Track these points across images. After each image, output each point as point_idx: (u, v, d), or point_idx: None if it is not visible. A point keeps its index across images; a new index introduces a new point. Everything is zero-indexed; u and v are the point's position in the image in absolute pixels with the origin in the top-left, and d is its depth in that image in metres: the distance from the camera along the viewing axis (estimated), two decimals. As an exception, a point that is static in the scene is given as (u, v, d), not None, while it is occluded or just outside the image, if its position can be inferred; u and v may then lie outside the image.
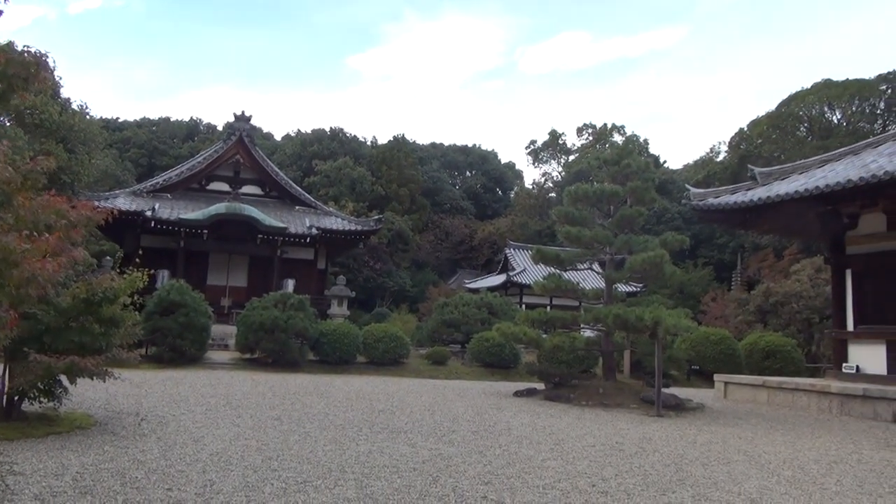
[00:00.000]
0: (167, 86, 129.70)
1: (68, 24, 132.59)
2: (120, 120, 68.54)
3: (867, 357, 15.20)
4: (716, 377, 17.58)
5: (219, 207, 26.36)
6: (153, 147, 62.21)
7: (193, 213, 26.70)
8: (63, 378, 8.10)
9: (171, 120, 71.22)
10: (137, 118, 70.17)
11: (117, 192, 29.04)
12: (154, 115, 72.30)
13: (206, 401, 11.24)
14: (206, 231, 26.63)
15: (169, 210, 27.50)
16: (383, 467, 6.58)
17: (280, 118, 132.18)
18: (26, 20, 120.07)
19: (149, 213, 25.96)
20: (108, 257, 25.27)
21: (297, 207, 31.63)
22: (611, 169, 14.98)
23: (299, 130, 67.56)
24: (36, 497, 5.03)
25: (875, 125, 41.38)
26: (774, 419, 12.46)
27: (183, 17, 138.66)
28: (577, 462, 7.31)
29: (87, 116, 24.97)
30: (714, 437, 9.81)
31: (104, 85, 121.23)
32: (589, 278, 32.11)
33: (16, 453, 6.44)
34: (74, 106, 24.13)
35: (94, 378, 7.98)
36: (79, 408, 9.47)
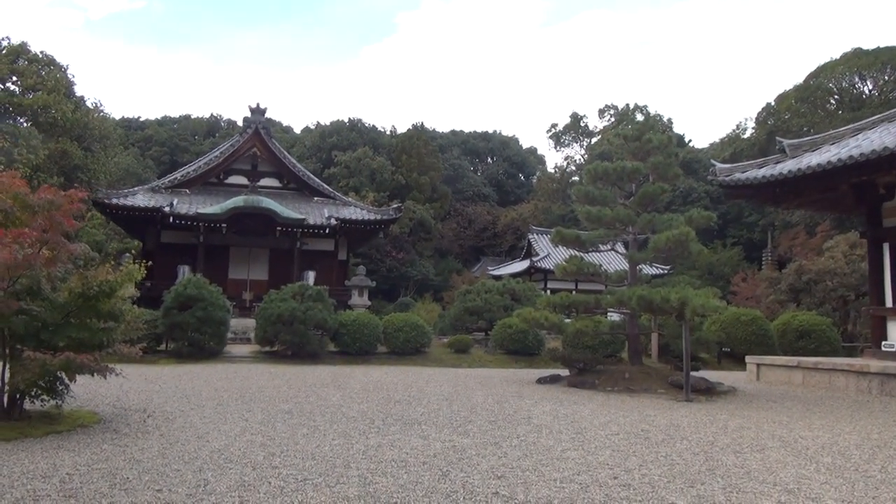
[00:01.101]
0: (188, 83, 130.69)
1: (91, 28, 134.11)
2: (141, 119, 69.25)
3: (908, 334, 14.48)
4: (748, 359, 16.95)
5: (236, 201, 26.22)
6: (174, 144, 62.64)
7: (211, 207, 26.61)
8: (64, 375, 7.85)
9: (192, 117, 71.68)
10: (158, 116, 70.83)
11: (136, 188, 29.09)
12: (175, 113, 72.86)
13: (219, 395, 10.99)
14: (224, 225, 26.54)
15: (187, 205, 27.45)
16: (391, 462, 6.21)
17: (299, 111, 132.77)
18: (50, 24, 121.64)
19: (167, 209, 25.91)
20: (126, 254, 25.31)
21: (315, 199, 31.41)
22: (631, 145, 14.37)
23: (318, 123, 67.59)
24: (17, 501, 4.74)
25: (909, 95, 39.93)
26: (810, 401, 11.86)
27: (199, 15, 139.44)
28: (598, 452, 6.86)
29: (102, 114, 25.01)
30: (746, 421, 9.28)
31: (125, 85, 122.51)
32: (613, 261, 31.45)
33: (9, 454, 6.19)
34: (88, 104, 24.13)
35: (95, 375, 7.71)
36: (86, 405, 9.27)
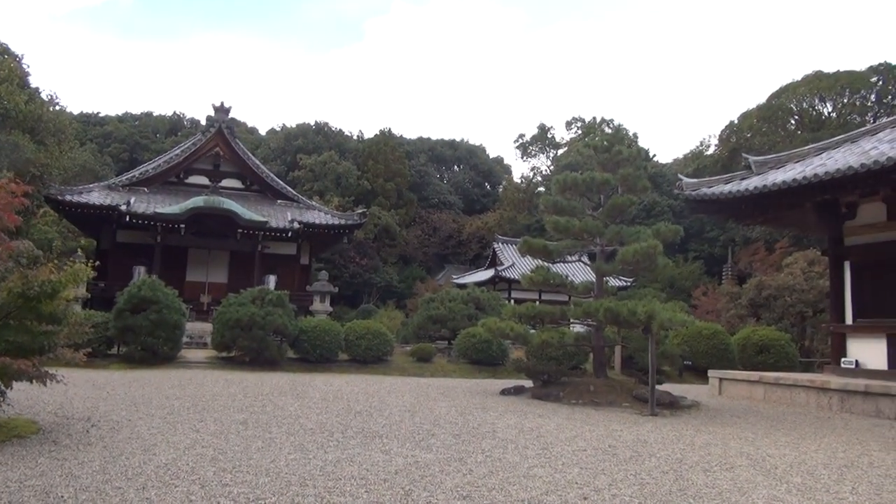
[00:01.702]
0: (151, 80, 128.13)
1: (53, 20, 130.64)
2: (101, 114, 67.48)
3: (867, 351, 14.62)
4: (710, 373, 16.98)
5: (196, 201, 25.52)
6: (135, 142, 61.16)
7: (170, 207, 25.86)
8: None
9: (154, 115, 70.19)
10: (119, 112, 69.11)
11: (91, 185, 28.12)
12: (136, 110, 71.28)
13: (171, 403, 10.49)
14: (183, 226, 25.81)
15: (145, 204, 26.64)
16: (350, 479, 5.88)
17: (265, 113, 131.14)
18: (7, 12, 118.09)
19: (123, 208, 25.09)
20: (78, 252, 24.36)
21: (278, 201, 30.83)
22: (601, 156, 14.28)
23: (284, 125, 66.75)
24: (-66, 524, 4.30)
25: (866, 117, 40.99)
26: (774, 417, 11.85)
27: (166, 11, 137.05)
28: (566, 470, 6.63)
29: (58, 107, 24.06)
30: (713, 437, 9.17)
31: (85, 79, 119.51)
32: (579, 272, 31.54)
33: (-68, 468, 5.69)
34: (43, 96, 23.21)
35: (34, 381, 7.20)
36: (25, 412, 8.72)
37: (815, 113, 45.19)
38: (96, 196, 26.40)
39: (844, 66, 43.59)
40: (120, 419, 8.72)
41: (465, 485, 5.83)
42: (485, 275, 43.08)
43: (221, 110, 30.27)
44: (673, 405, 12.41)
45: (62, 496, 5.01)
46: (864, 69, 42.57)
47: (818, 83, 43.16)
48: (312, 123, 61.12)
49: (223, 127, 29.93)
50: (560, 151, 66.01)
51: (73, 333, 7.89)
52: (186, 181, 30.14)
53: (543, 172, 65.31)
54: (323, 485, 5.64)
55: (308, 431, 8.34)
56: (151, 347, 17.07)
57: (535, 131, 68.42)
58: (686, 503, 5.52)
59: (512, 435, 8.69)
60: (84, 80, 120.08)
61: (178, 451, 6.84)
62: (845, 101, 43.55)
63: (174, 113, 71.07)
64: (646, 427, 9.98)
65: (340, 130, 63.22)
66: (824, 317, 24.55)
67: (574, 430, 9.28)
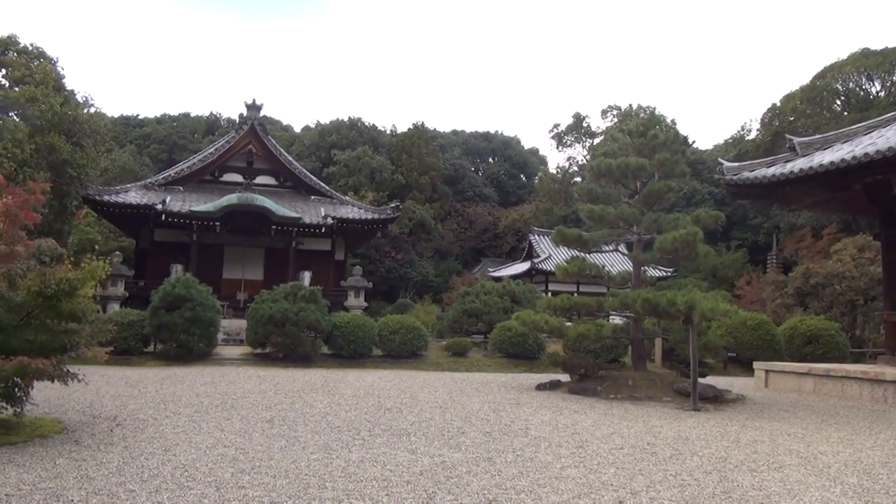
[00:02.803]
0: (188, 81, 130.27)
1: (88, 23, 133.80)
2: (140, 116, 68.64)
3: (924, 340, 13.86)
4: (756, 365, 16.32)
5: (230, 198, 25.64)
6: (173, 142, 62.01)
7: (205, 205, 26.02)
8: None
9: (192, 115, 71.07)
10: (157, 114, 70.17)
11: (128, 185, 28.51)
12: (174, 111, 72.22)
13: (200, 401, 10.39)
14: (218, 223, 25.98)
15: (181, 203, 26.87)
16: (372, 481, 5.61)
17: (299, 110, 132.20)
18: (42, 15, 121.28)
19: (159, 207, 25.34)
20: (117, 252, 24.70)
21: (312, 197, 30.83)
22: (636, 141, 13.76)
23: (318, 121, 67.00)
24: (-63, 530, 4.15)
25: (918, 96, 39.27)
26: (824, 411, 11.24)
27: (201, 9, 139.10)
28: (601, 470, 6.25)
29: (93, 108, 24.38)
30: (760, 434, 8.67)
31: (124, 82, 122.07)
32: (616, 262, 30.86)
33: (-51, 470, 5.59)
34: (79, 97, 23.53)
35: (55, 381, 7.10)
36: (54, 412, 8.69)
37: (862, 93, 43.43)
38: (133, 196, 26.74)
39: (893, 43, 41.70)
40: (146, 418, 8.62)
41: (492, 487, 5.51)
42: (521, 267, 42.56)
43: (253, 108, 30.38)
44: (716, 399, 11.89)
45: (72, 499, 4.84)
46: (914, 45, 40.80)
47: (865, 61, 41.43)
48: (346, 119, 61.17)
49: (255, 124, 30.04)
50: (596, 141, 64.84)
51: (96, 332, 7.79)
52: (221, 179, 30.36)
53: (579, 162, 64.29)
54: (343, 487, 5.38)
55: (334, 430, 8.12)
56: (186, 345, 17.12)
57: (570, 121, 67.31)
58: (731, 507, 5.11)
59: (545, 432, 8.34)
60: (122, 82, 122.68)
61: (199, 451, 6.67)
62: (895, 79, 41.73)
63: (211, 113, 71.93)
64: (687, 423, 9.52)
65: (374, 125, 63.15)
66: (876, 305, 23.52)
67: (611, 427, 8.88)
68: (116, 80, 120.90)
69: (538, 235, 44.00)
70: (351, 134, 58.35)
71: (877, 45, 43.92)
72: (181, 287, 17.52)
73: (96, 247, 31.71)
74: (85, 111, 22.95)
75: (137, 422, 8.30)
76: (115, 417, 8.54)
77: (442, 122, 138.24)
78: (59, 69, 22.42)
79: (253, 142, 30.25)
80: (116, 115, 65.51)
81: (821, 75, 44.17)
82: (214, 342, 18.28)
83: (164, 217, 25.49)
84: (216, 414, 9.11)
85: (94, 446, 6.74)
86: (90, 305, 7.55)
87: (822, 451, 7.57)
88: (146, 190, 28.08)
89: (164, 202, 25.88)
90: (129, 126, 64.54)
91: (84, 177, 22.76)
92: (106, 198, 25.64)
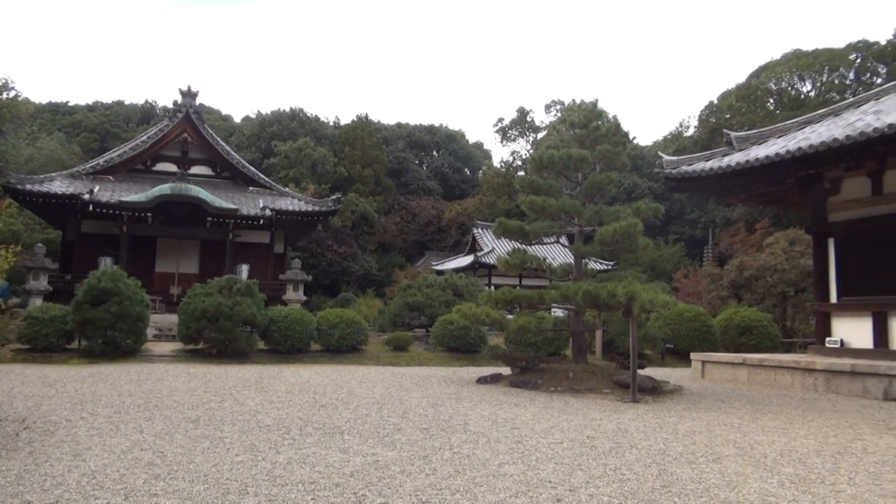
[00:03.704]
0: (122, 68, 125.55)
1: (14, 3, 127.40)
2: (70, 103, 65.84)
3: (852, 330, 14.26)
4: (693, 356, 16.56)
5: (163, 188, 24.61)
6: (105, 131, 59.60)
7: (136, 195, 24.91)
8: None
9: (126, 103, 68.59)
10: (89, 101, 67.36)
11: (53, 174, 27.06)
12: (107, 99, 69.48)
13: (121, 400, 9.79)
14: (150, 214, 24.91)
15: (110, 193, 25.68)
16: (298, 484, 5.26)
17: (240, 100, 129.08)
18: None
19: (86, 197, 24.12)
20: (39, 244, 23.41)
21: (250, 189, 29.96)
22: (579, 132, 13.69)
23: (259, 112, 65.43)
24: None
25: (845, 95, 40.74)
26: (759, 401, 11.40)
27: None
28: (540, 466, 6.06)
29: (13, 93, 22.94)
30: (697, 424, 8.66)
31: (53, 66, 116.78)
32: (558, 255, 31.06)
33: None
34: (-3, 80, 22.13)
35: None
36: (-45, 415, 8.00)
37: (794, 92, 44.93)
38: (58, 185, 25.40)
39: (823, 44, 43.33)
40: (59, 420, 8.02)
41: (426, 487, 5.23)
42: (464, 261, 42.51)
43: (189, 95, 29.25)
44: (655, 390, 11.94)
45: (-44, 515, 4.34)
46: (842, 47, 42.36)
47: (797, 61, 42.85)
48: (287, 110, 59.98)
49: (191, 112, 28.94)
50: (540, 135, 65.40)
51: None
52: (154, 169, 29.18)
53: (523, 156, 64.66)
54: (266, 492, 5.02)
55: (263, 429, 7.71)
56: (113, 341, 16.28)
57: (514, 115, 67.75)
58: (671, 502, 4.97)
59: (484, 427, 8.12)
60: (51, 67, 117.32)
61: (112, 455, 6.18)
62: (824, 79, 43.29)
63: (146, 101, 69.49)
64: (627, 415, 9.46)
65: (316, 116, 62.11)
66: (806, 296, 24.30)
67: (551, 421, 8.73)
68: (45, 66, 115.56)
69: (482, 229, 44.03)
70: (292, 125, 57.20)
71: (808, 46, 45.44)
72: (108, 280, 16.64)
73: (21, 238, 30.12)
74: (4, 95, 21.57)
75: (49, 424, 7.71)
76: (24, 420, 7.92)
77: (386, 114, 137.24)
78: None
79: (188, 130, 29.15)
80: (44, 102, 62.63)
81: (756, 74, 45.49)
82: (143, 338, 17.46)
83: (91, 208, 24.28)
84: (137, 414, 8.56)
85: (-6, 452, 6.18)
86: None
87: (758, 440, 7.57)
88: (73, 179, 26.73)
89: (91, 192, 24.65)
90: (57, 113, 61.74)
91: (3, 164, 21.43)
92: (28, 187, 24.26)
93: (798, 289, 25.24)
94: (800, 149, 13.05)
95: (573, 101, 64.64)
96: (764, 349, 19.33)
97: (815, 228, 15.58)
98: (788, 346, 22.22)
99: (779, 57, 44.61)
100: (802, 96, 44.15)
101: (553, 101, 66.59)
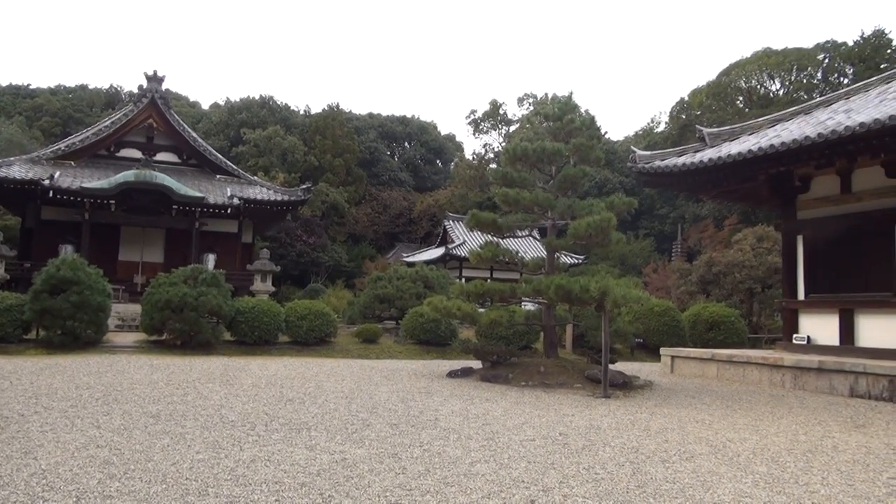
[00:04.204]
0: (86, 51, 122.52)
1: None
2: (31, 87, 63.90)
3: (819, 327, 14.41)
4: (662, 351, 16.62)
5: (126, 175, 23.95)
6: (68, 115, 58.06)
7: (98, 181, 24.22)
8: None
9: (90, 87, 66.91)
10: (52, 85, 65.51)
11: (12, 159, 26.18)
12: (71, 82, 67.77)
13: (79, 394, 9.43)
14: (113, 202, 24.23)
15: (71, 179, 24.93)
16: (262, 483, 5.04)
17: (208, 87, 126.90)
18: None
19: (46, 182, 23.38)
20: (-4, 231, 22.64)
21: (218, 177, 29.36)
22: (553, 125, 13.57)
23: (228, 99, 64.33)
24: None
25: (813, 95, 41.39)
26: (728, 397, 11.44)
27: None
28: (512, 465, 5.91)
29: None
30: (669, 421, 8.62)
31: (13, 48, 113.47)
32: (530, 248, 31.05)
33: None
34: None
35: None
36: None
37: (763, 90, 45.52)
38: (17, 170, 24.59)
39: (793, 44, 43.96)
40: (11, 414, 7.66)
41: (395, 487, 5.05)
42: (435, 253, 42.33)
43: (155, 79, 28.51)
44: (626, 385, 11.91)
45: None
46: (811, 46, 43.03)
47: (767, 60, 43.38)
48: (257, 97, 59.01)
49: (157, 97, 28.21)
50: (512, 128, 65.35)
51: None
52: (118, 155, 28.40)
53: (495, 149, 64.59)
54: (227, 493, 4.79)
55: (227, 424, 7.45)
56: (72, 331, 15.77)
57: (487, 107, 67.47)
58: (645, 503, 4.86)
59: (455, 423, 7.96)
60: (13, 49, 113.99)
61: (66, 452, 5.88)
62: (793, 78, 43.92)
63: (111, 86, 67.81)
64: (599, 410, 9.39)
65: (286, 105, 61.30)
66: (773, 293, 24.62)
67: (523, 417, 8.60)
68: (6, 47, 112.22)
69: (453, 221, 43.88)
70: (262, 113, 56.34)
71: (778, 45, 46.04)
72: (67, 269, 16.11)
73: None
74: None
75: (1, 418, 7.36)
76: (-27, 414, 7.55)
77: (358, 104, 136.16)
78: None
79: (154, 116, 28.42)
80: (4, 84, 60.73)
81: (726, 72, 45.97)
82: (104, 329, 16.96)
83: (51, 194, 23.54)
84: (95, 409, 8.23)
85: (-63, 450, 5.84)
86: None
87: (730, 438, 7.54)
88: (32, 164, 25.89)
89: (52, 178, 23.90)
90: (18, 96, 59.95)
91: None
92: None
93: (765, 285, 25.58)
94: (772, 146, 13.09)
95: (546, 94, 64.75)
96: (731, 344, 19.53)
97: (785, 226, 15.72)
98: (755, 342, 22.49)
99: (749, 55, 45.19)
100: (772, 95, 44.76)
101: (526, 95, 66.55)
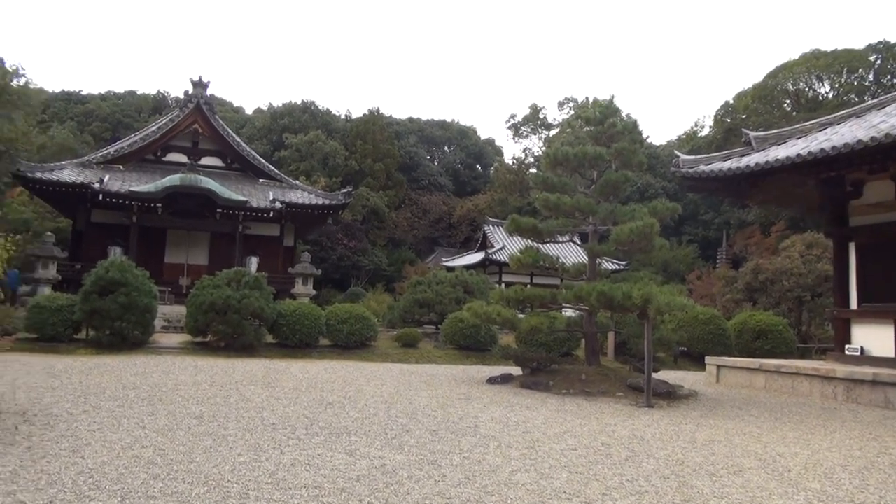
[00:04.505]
0: (135, 58, 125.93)
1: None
2: (83, 93, 65.80)
3: (873, 338, 13.88)
4: (707, 360, 16.24)
5: (172, 179, 24.48)
6: (117, 120, 59.61)
7: (146, 185, 24.81)
8: None
9: (138, 93, 68.56)
10: (102, 91, 67.41)
11: (63, 163, 27.00)
12: (120, 88, 69.62)
13: (126, 393, 9.62)
14: (160, 205, 24.79)
15: (120, 182, 25.60)
16: (302, 488, 5.04)
17: (252, 92, 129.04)
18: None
19: (96, 186, 24.02)
20: (49, 233, 23.34)
21: (261, 181, 29.80)
22: (594, 129, 13.40)
23: (270, 104, 65.30)
24: None
25: (864, 97, 40.12)
26: (777, 409, 11.09)
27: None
28: (553, 474, 5.81)
29: (24, 80, 22.84)
30: (715, 433, 8.39)
31: (67, 56, 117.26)
32: (571, 254, 30.77)
33: None
34: (8, 66, 22.03)
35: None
36: (-45, 406, 7.84)
37: (811, 93, 44.32)
38: (68, 174, 25.33)
39: (843, 45, 42.75)
40: (60, 413, 7.85)
41: (434, 495, 5.00)
42: (475, 258, 42.26)
43: (200, 85, 29.11)
44: (670, 395, 11.65)
45: (-56, 516, 4.15)
46: (862, 48, 41.72)
47: (815, 62, 42.24)
48: (299, 102, 59.72)
49: (202, 102, 28.80)
50: (552, 132, 64.94)
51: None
52: (164, 159, 29.08)
53: (535, 153, 64.29)
54: (268, 496, 4.80)
55: (268, 427, 7.50)
56: (120, 332, 16.14)
57: (526, 111, 67.42)
58: (693, 518, 4.72)
59: (495, 431, 7.88)
60: (66, 56, 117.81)
61: (112, 452, 5.99)
62: (843, 80, 42.64)
63: (158, 91, 69.32)
64: (642, 420, 9.19)
65: (328, 110, 61.90)
66: (823, 301, 23.86)
67: (564, 425, 8.47)
68: (59, 55, 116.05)
69: (493, 226, 43.75)
70: (304, 117, 57.03)
71: (827, 47, 44.78)
72: (115, 271, 16.50)
73: (30, 227, 30.14)
74: (15, 82, 21.48)
75: (49, 417, 7.54)
76: (25, 412, 7.75)
77: (398, 108, 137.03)
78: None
79: (199, 121, 29.01)
80: (57, 91, 62.70)
81: (773, 74, 44.89)
82: (151, 330, 17.32)
83: (101, 197, 24.18)
84: (140, 409, 8.38)
85: (-9, 447, 6.00)
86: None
87: (780, 452, 7.29)
88: (83, 168, 26.65)
89: (101, 181, 24.55)
90: (70, 102, 61.82)
91: (14, 152, 21.35)
92: (38, 175, 24.20)
93: (814, 294, 24.80)
94: (822, 150, 12.68)
95: (586, 98, 64.21)
96: (779, 354, 18.98)
97: (836, 232, 15.21)
98: (803, 352, 21.83)
99: (797, 57, 44.06)
100: (820, 97, 43.55)
101: (566, 99, 66.13)
